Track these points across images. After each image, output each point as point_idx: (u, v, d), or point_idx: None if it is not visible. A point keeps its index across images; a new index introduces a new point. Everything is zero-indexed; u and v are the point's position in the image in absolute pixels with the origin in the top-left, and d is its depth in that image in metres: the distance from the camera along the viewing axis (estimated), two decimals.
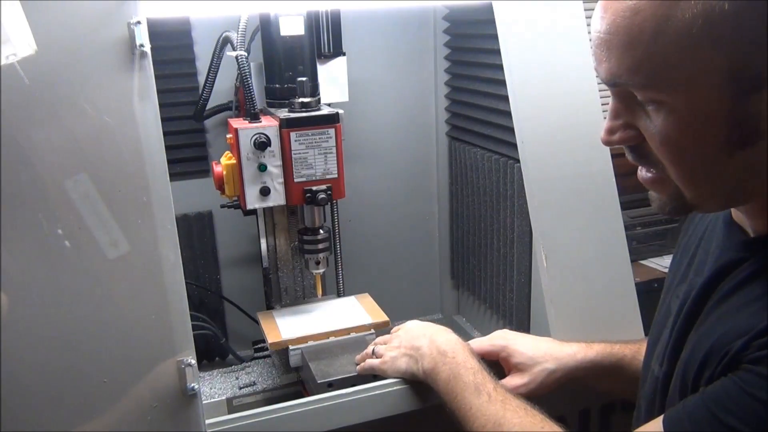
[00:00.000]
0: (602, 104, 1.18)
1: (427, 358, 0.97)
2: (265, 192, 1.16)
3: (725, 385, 0.61)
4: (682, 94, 0.60)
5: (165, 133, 0.86)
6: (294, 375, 1.28)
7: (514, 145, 1.16)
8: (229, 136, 1.19)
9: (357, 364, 1.13)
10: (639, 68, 0.61)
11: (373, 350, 1.10)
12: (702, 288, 0.72)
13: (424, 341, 1.00)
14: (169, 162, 0.86)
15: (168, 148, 0.86)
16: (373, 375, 1.08)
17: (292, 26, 1.20)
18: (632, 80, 0.62)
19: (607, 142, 0.70)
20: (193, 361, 0.89)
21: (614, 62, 0.62)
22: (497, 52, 1.15)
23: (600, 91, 1.17)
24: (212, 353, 1.48)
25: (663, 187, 0.69)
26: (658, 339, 0.82)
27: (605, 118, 0.70)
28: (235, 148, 1.14)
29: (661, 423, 0.65)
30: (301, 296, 1.41)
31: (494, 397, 0.88)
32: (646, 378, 0.84)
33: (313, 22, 1.25)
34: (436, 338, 1.00)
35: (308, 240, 1.28)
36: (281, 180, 1.16)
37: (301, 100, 1.17)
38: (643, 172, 0.71)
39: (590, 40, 0.67)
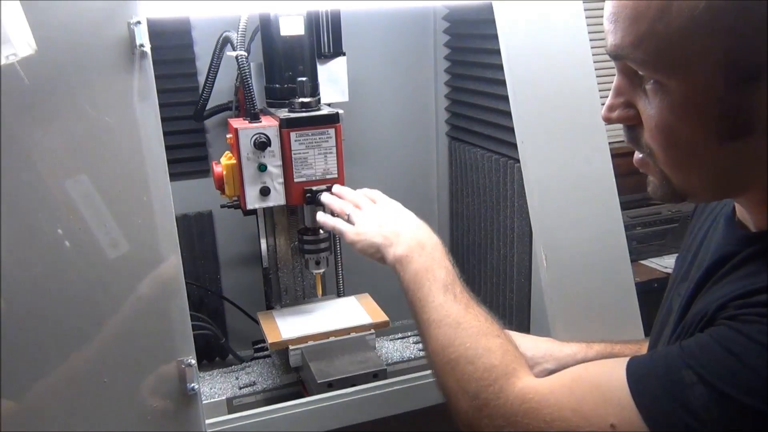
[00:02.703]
0: (602, 104, 1.18)
1: (403, 245, 0.94)
2: (265, 192, 1.16)
3: (697, 336, 0.62)
4: (678, 77, 0.61)
5: (165, 133, 0.86)
6: (294, 375, 1.28)
7: (514, 145, 1.16)
8: (229, 136, 1.19)
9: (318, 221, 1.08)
10: (641, 43, 0.61)
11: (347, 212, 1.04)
12: (698, 280, 0.72)
13: (406, 229, 0.97)
14: (169, 162, 0.86)
15: (168, 148, 0.86)
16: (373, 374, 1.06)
17: (292, 26, 1.20)
18: (633, 54, 0.62)
19: (606, 119, 0.71)
20: (193, 361, 0.89)
21: (619, 35, 0.63)
22: (497, 52, 1.15)
23: (600, 90, 1.17)
24: (212, 353, 1.48)
25: (651, 171, 0.69)
26: (659, 337, 0.82)
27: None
28: (235, 148, 1.14)
29: (625, 361, 0.66)
30: (301, 296, 1.41)
31: (459, 299, 0.88)
32: None
33: (313, 22, 1.26)
34: (419, 231, 0.97)
35: (308, 240, 1.28)
36: (281, 180, 1.16)
37: (301, 100, 1.17)
38: (636, 155, 0.71)
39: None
